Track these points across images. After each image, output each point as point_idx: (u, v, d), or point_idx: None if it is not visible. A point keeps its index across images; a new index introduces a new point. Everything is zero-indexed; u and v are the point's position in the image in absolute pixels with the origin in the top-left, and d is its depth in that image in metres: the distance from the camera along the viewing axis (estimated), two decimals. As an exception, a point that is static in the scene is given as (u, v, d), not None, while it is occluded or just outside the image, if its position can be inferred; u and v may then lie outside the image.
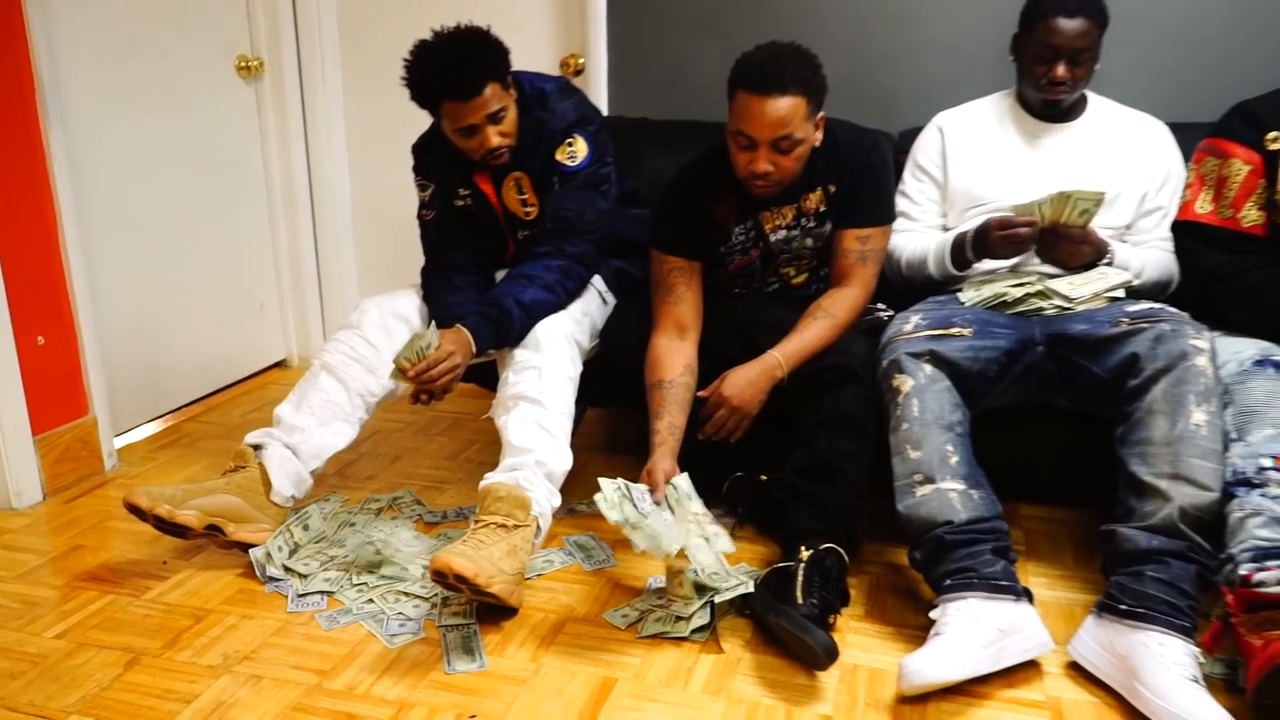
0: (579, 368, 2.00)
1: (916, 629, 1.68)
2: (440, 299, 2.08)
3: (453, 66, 1.90)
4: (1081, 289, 1.91)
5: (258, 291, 3.15)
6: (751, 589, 1.69)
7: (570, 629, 1.72)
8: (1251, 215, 1.84)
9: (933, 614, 1.61)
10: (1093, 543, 2.02)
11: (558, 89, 2.09)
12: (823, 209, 1.98)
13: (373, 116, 3.13)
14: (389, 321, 2.08)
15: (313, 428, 1.97)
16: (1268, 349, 1.74)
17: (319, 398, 2.00)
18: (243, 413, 2.85)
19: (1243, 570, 1.49)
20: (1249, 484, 1.58)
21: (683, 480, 1.77)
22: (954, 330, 1.84)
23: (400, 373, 1.88)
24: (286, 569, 1.87)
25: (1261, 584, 1.46)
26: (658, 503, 1.73)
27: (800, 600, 1.61)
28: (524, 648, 1.66)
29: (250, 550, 1.87)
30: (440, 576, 1.62)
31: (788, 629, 1.57)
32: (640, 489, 1.74)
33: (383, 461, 2.48)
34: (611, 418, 2.76)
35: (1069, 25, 1.97)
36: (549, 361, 1.92)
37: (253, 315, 3.13)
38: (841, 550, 1.72)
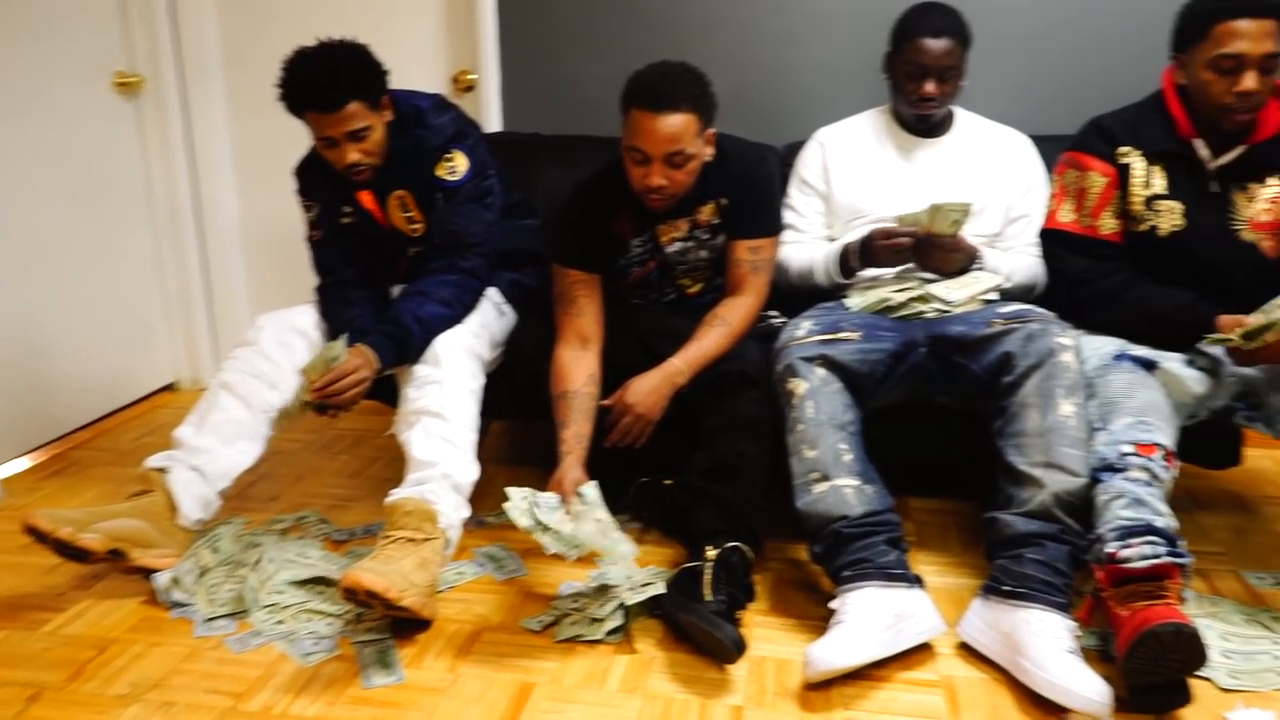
0: (481, 380, 2.03)
1: (818, 620, 1.77)
2: (338, 315, 2.08)
3: (319, 77, 1.91)
4: (958, 293, 2.04)
5: (143, 313, 3.07)
6: (662, 590, 1.75)
7: (486, 638, 1.75)
8: (1109, 224, 2.00)
9: (833, 604, 1.70)
10: (976, 532, 2.15)
11: (433, 105, 2.12)
12: (715, 221, 2.06)
13: (259, 132, 3.08)
14: (287, 336, 2.07)
15: (217, 448, 1.94)
16: (1125, 345, 1.90)
17: (220, 417, 1.97)
18: (133, 438, 2.77)
19: (1109, 548, 1.62)
20: (1112, 469, 1.71)
21: (590, 488, 1.82)
22: (843, 334, 1.94)
23: (307, 385, 1.88)
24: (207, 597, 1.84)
25: (1126, 560, 1.59)
26: (567, 511, 1.77)
27: (709, 597, 1.68)
28: (441, 659, 1.68)
29: (152, 576, 1.84)
30: (351, 593, 1.63)
31: (698, 625, 1.64)
32: (548, 497, 1.78)
33: (285, 481, 2.45)
34: (513, 429, 2.79)
35: (935, 45, 2.11)
36: (450, 375, 1.95)
37: (139, 337, 3.04)
38: (745, 548, 1.80)
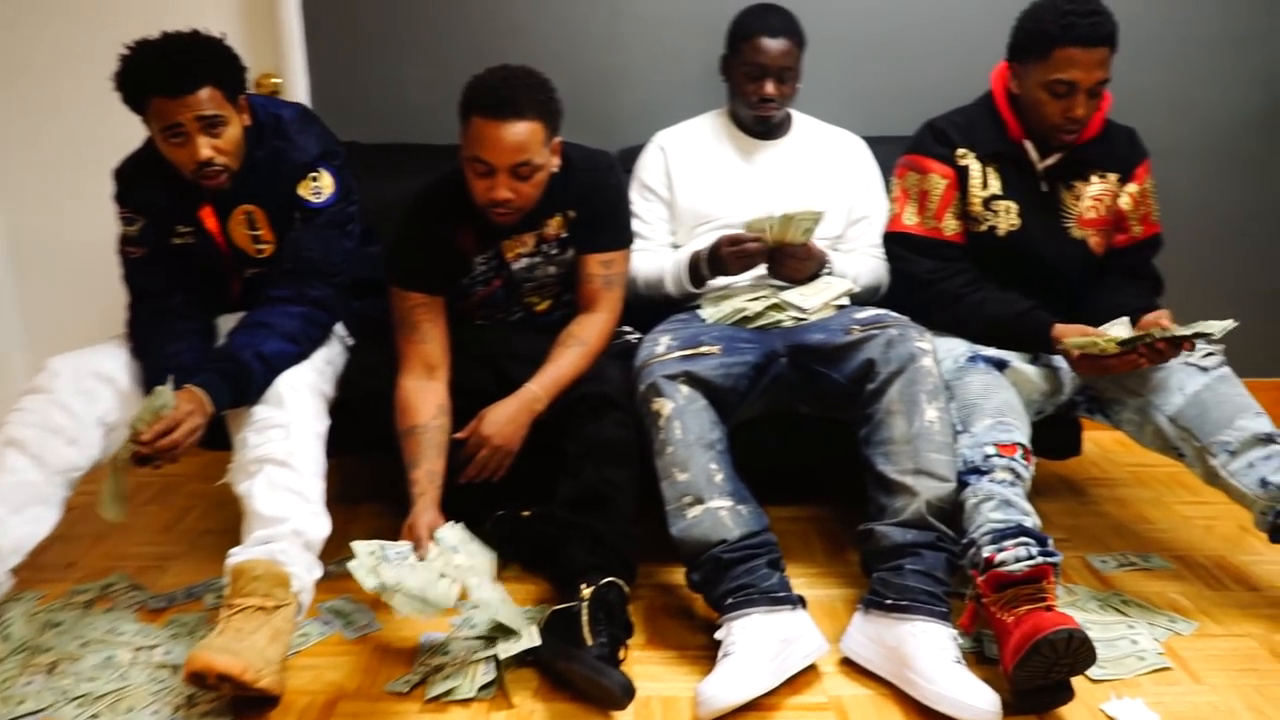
0: (327, 422, 1.84)
1: (699, 650, 1.70)
2: (159, 350, 1.83)
3: (167, 59, 1.69)
4: (812, 299, 2.02)
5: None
6: (536, 639, 1.62)
7: (343, 708, 1.58)
8: (951, 225, 2.02)
9: (718, 634, 1.63)
10: (838, 538, 2.16)
11: (297, 117, 1.90)
12: (564, 235, 1.95)
13: (33, 140, 2.70)
14: (88, 383, 1.80)
15: (5, 517, 1.67)
16: (974, 346, 1.93)
17: (8, 481, 1.69)
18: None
19: (985, 553, 1.63)
20: (978, 471, 1.73)
21: (448, 531, 1.67)
22: (704, 349, 1.87)
23: (134, 437, 1.63)
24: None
25: (1003, 563, 1.60)
26: (422, 558, 1.62)
27: (590, 642, 1.58)
28: (294, 740, 1.50)
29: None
30: (198, 678, 1.42)
31: (582, 674, 1.53)
32: (399, 548, 1.63)
33: (84, 543, 2.15)
34: (345, 465, 2.57)
35: (774, 45, 2.08)
36: (295, 418, 1.75)
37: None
38: (621, 582, 1.70)
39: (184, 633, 1.77)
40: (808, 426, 2.04)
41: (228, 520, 2.01)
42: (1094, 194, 2.02)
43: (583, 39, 2.61)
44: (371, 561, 1.57)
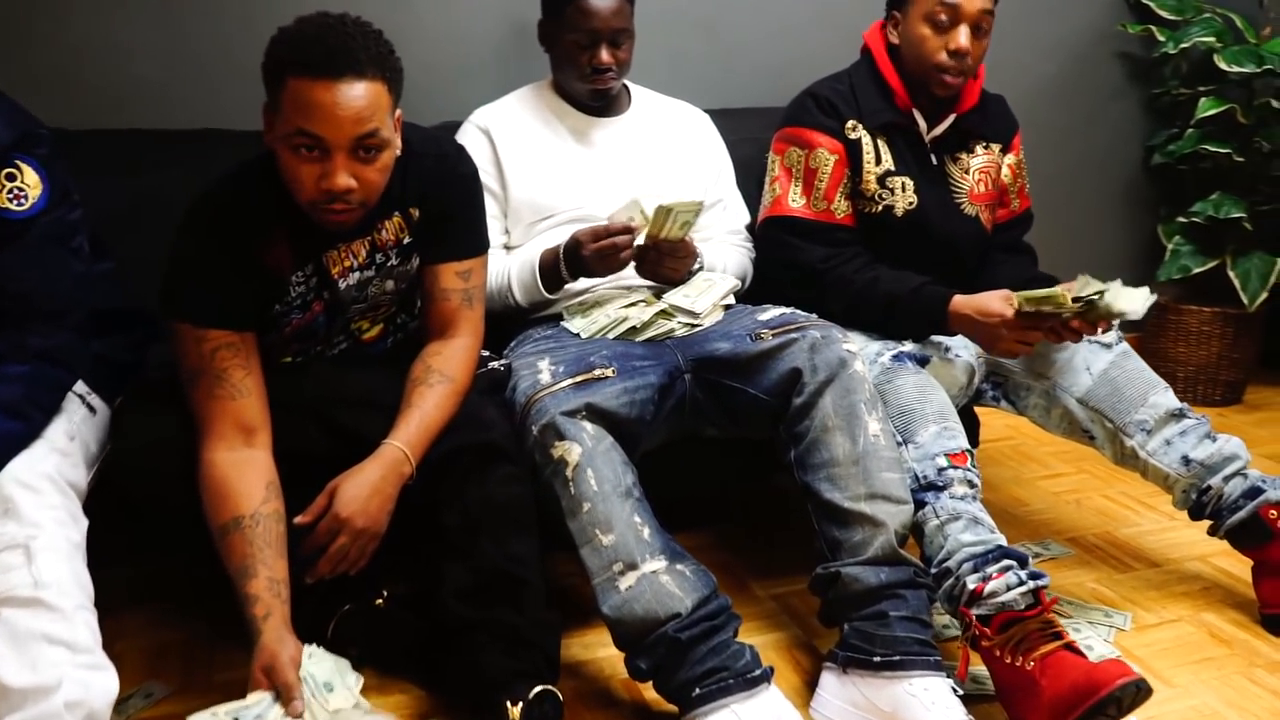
0: (84, 524, 1.28)
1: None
2: None
3: None
4: (700, 300, 1.72)
5: None
6: None
7: None
8: (842, 206, 1.79)
9: (686, 736, 1.29)
10: (733, 568, 1.88)
11: None
12: (406, 240, 1.50)
13: None
14: None
15: None
16: (894, 344, 1.71)
17: None
18: None
19: (970, 584, 1.42)
20: (935, 488, 1.51)
21: (315, 665, 1.21)
22: (596, 373, 1.52)
23: None
24: None
25: (993, 594, 1.39)
26: (297, 714, 1.15)
27: (546, 783, 1.18)
28: None
29: None
30: None
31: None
32: (255, 707, 1.15)
33: None
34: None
35: (603, 5, 1.76)
36: (39, 531, 1.19)
37: None
38: (553, 688, 1.31)
39: None
40: (701, 451, 1.74)
41: None
42: (980, 166, 1.87)
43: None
44: None
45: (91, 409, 1.43)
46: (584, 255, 1.64)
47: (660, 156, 1.90)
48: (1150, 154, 2.78)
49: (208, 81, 2.04)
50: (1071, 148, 2.72)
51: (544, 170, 1.83)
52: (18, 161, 1.27)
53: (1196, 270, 2.59)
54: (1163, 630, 1.69)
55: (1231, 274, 2.54)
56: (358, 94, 1.26)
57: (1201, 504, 1.70)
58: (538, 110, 1.89)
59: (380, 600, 1.55)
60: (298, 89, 1.26)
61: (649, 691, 1.41)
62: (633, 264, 1.70)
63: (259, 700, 1.15)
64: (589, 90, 1.83)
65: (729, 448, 1.74)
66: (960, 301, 1.65)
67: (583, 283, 1.75)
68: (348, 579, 1.38)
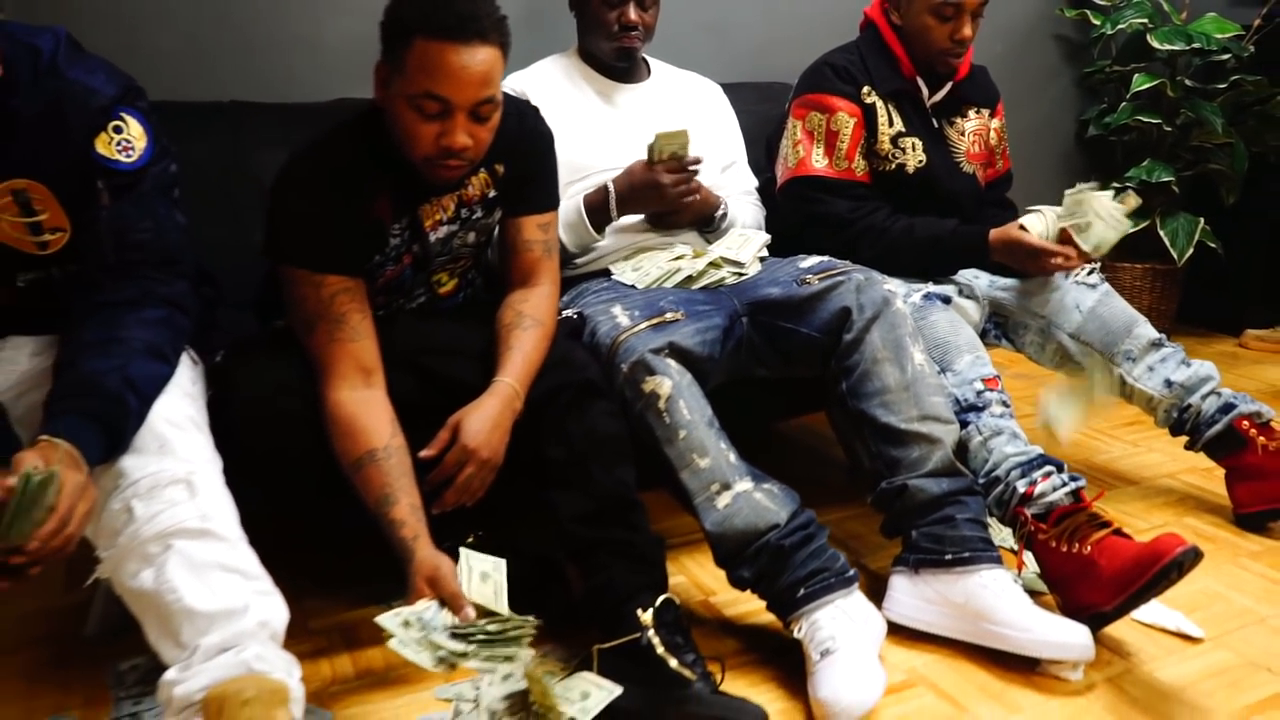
0: (220, 464, 1.32)
1: (737, 657, 1.48)
2: None
3: None
4: (743, 251, 1.85)
5: None
6: (609, 691, 1.29)
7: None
8: (860, 165, 1.96)
9: (799, 631, 1.42)
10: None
11: (64, 43, 1.31)
12: (491, 194, 1.58)
13: None
14: None
15: None
16: (918, 284, 1.88)
17: None
18: None
19: (1020, 487, 1.59)
20: (975, 409, 1.69)
21: (476, 560, 1.29)
22: (668, 316, 1.63)
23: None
24: None
25: (1042, 494, 1.58)
26: (467, 618, 1.23)
27: (690, 675, 1.29)
28: None
29: None
30: None
31: (704, 714, 1.25)
32: (425, 611, 1.22)
33: None
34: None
35: None
36: (193, 468, 1.23)
37: None
38: (673, 597, 1.42)
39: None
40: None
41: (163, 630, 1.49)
42: (973, 129, 2.06)
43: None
44: (416, 635, 1.15)
45: (194, 359, 1.47)
46: (664, 190, 1.79)
47: (679, 120, 2.02)
48: (1085, 127, 3.06)
49: (230, 55, 2.07)
50: (1014, 122, 2.96)
51: (578, 132, 1.91)
52: (123, 114, 1.30)
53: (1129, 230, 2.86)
54: (1154, 534, 1.89)
55: (1161, 233, 2.83)
56: (482, 58, 1.35)
57: (1182, 421, 1.93)
58: (568, 76, 1.98)
59: (472, 540, 1.63)
60: (426, 51, 1.33)
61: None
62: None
63: (428, 606, 1.22)
64: (615, 49, 1.92)
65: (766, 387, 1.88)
66: (996, 234, 1.85)
67: (625, 238, 1.86)
68: (461, 513, 1.46)
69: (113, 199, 1.29)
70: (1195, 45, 2.70)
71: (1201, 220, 2.84)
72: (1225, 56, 2.81)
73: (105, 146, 1.27)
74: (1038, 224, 1.90)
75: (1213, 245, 2.88)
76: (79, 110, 1.25)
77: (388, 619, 1.18)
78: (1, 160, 1.22)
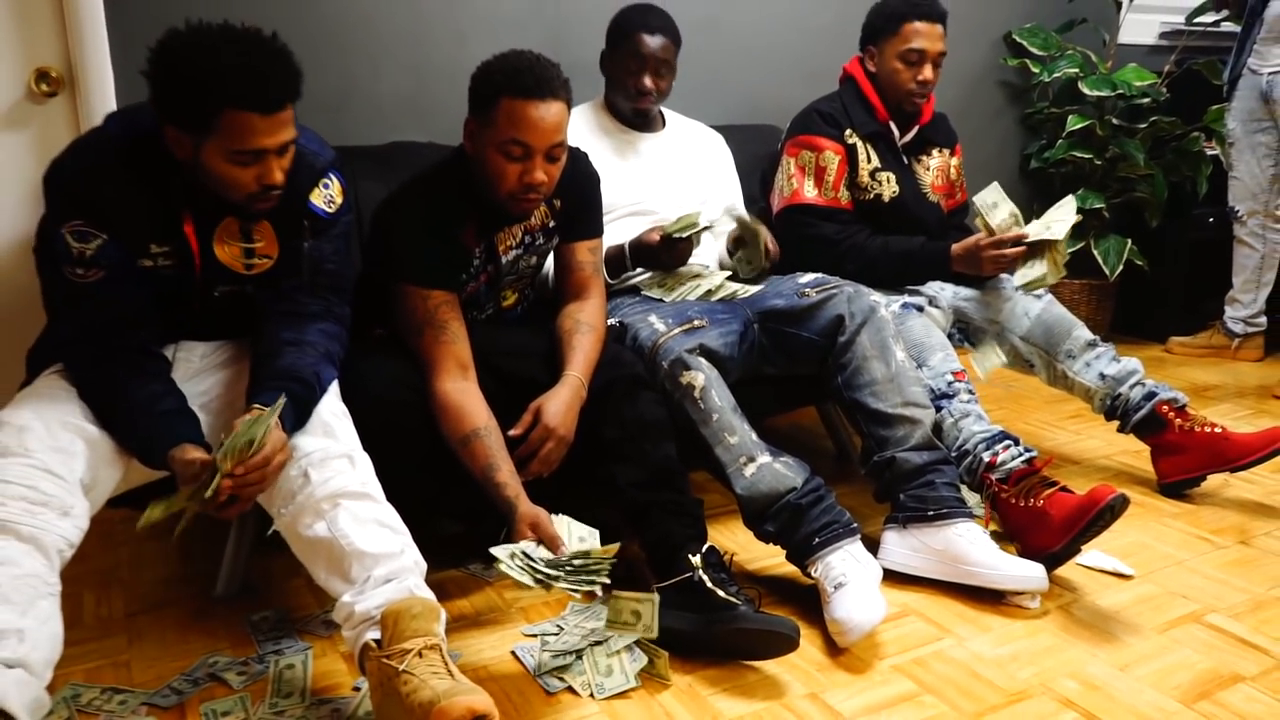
0: None
1: (764, 598, 1.82)
2: (134, 392, 1.50)
3: (260, 69, 1.40)
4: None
5: None
6: (650, 601, 1.61)
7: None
8: (844, 195, 2.33)
9: (814, 572, 1.76)
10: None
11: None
12: (551, 224, 1.93)
13: None
14: (61, 437, 1.43)
15: (25, 623, 1.28)
16: (898, 296, 2.25)
17: (7, 574, 1.30)
18: None
19: (985, 458, 1.96)
20: (947, 396, 2.06)
21: (560, 517, 1.62)
22: (695, 323, 1.98)
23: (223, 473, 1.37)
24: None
25: (1003, 462, 1.95)
26: (556, 550, 1.56)
27: (737, 601, 1.63)
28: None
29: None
30: None
31: (749, 629, 1.59)
32: (529, 546, 1.55)
33: None
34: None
35: (653, 41, 2.23)
36: (353, 447, 1.56)
37: None
38: (715, 546, 1.76)
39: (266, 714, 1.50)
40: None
41: (133, 600, 1.87)
42: (936, 165, 2.45)
43: (429, 36, 2.52)
44: (521, 562, 1.48)
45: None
46: (661, 258, 2.14)
47: (690, 165, 2.38)
48: (1027, 160, 3.49)
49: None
50: (966, 156, 3.36)
51: (606, 174, 2.25)
52: (332, 175, 1.65)
53: (1068, 251, 3.28)
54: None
55: (1095, 253, 3.24)
56: (555, 111, 1.69)
57: (1114, 408, 2.31)
58: (596, 125, 2.33)
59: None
60: (511, 107, 1.68)
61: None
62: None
63: (529, 545, 1.54)
64: (633, 109, 2.29)
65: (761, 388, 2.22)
66: (956, 248, 2.23)
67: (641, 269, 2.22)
68: (539, 481, 1.79)
69: (313, 236, 1.62)
70: (1119, 91, 3.13)
71: (1129, 241, 3.26)
72: (1145, 100, 3.25)
73: (316, 197, 1.61)
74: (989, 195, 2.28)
75: (1140, 263, 3.31)
76: (305, 169, 1.59)
77: (500, 550, 1.49)
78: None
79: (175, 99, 1.41)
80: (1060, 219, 2.22)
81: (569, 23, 2.66)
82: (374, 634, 1.40)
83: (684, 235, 2.08)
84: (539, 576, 1.49)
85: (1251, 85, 3.13)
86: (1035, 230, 2.23)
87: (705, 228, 2.12)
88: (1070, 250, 3.28)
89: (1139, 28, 3.61)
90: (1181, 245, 3.52)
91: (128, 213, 1.50)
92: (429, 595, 1.47)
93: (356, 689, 1.56)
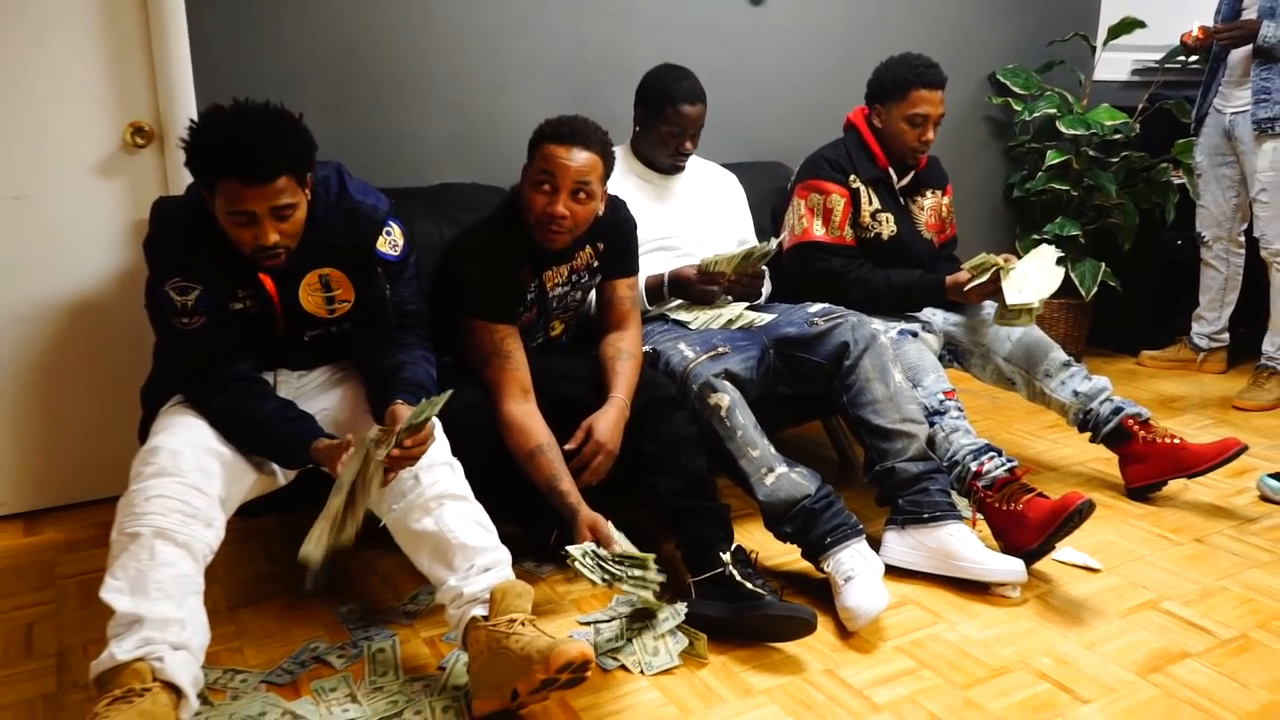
0: None
1: (790, 586, 2.11)
2: (260, 408, 1.79)
3: (246, 142, 1.63)
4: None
5: None
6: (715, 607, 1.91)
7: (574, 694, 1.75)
8: (849, 233, 2.62)
9: (826, 567, 2.05)
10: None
11: (348, 177, 1.90)
12: (595, 264, 2.21)
13: None
14: (204, 460, 1.71)
15: (182, 614, 1.56)
16: (896, 323, 2.54)
17: (167, 575, 1.57)
18: None
19: (973, 467, 2.25)
20: (939, 413, 2.35)
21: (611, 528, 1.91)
22: (719, 350, 2.27)
23: (400, 439, 1.69)
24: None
25: (988, 471, 2.24)
26: (613, 553, 1.84)
27: (763, 592, 1.91)
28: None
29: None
30: (566, 668, 1.54)
31: (770, 615, 1.87)
32: (593, 547, 1.84)
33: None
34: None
35: (691, 110, 2.52)
36: (450, 457, 1.85)
37: None
38: (741, 546, 2.04)
39: (379, 690, 1.78)
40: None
41: (233, 596, 2.12)
42: (930, 205, 2.74)
43: (473, 85, 2.80)
44: (592, 561, 1.76)
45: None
46: (693, 290, 2.42)
47: (710, 203, 2.67)
48: (1010, 189, 3.79)
49: (352, 145, 2.66)
50: (955, 185, 3.66)
51: (636, 213, 2.53)
52: (391, 223, 1.92)
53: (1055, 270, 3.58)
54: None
55: (1072, 275, 3.54)
56: (582, 158, 2.00)
57: (1086, 421, 2.61)
58: (626, 169, 2.60)
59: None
60: (547, 150, 1.99)
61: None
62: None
63: (591, 545, 1.83)
64: (670, 165, 2.58)
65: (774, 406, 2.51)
66: (949, 280, 2.52)
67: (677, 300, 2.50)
68: (589, 489, 2.07)
69: (390, 280, 1.90)
70: (1093, 131, 3.43)
71: (1103, 264, 3.57)
72: (1117, 135, 3.55)
73: (382, 244, 1.88)
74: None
75: (1113, 284, 3.61)
76: (368, 222, 1.86)
77: (574, 549, 1.78)
78: (314, 255, 1.82)
79: (192, 165, 1.68)
80: (1041, 285, 2.48)
81: (597, 77, 2.94)
82: (478, 611, 1.68)
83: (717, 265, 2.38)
84: (605, 575, 1.78)
85: (1216, 123, 3.44)
86: (1010, 292, 2.49)
87: (746, 256, 2.40)
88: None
89: (1114, 65, 3.92)
90: (1152, 267, 3.83)
91: (210, 267, 1.77)
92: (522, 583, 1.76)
93: (441, 668, 1.84)
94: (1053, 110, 3.50)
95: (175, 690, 1.51)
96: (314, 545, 1.64)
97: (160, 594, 1.56)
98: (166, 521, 1.61)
